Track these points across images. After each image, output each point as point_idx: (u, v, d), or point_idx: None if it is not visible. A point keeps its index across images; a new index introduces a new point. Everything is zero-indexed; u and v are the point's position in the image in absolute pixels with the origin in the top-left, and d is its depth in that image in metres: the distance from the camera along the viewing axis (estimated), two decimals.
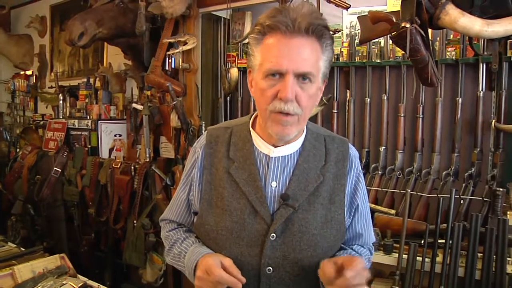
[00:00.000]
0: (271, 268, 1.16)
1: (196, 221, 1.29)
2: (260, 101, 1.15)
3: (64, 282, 1.86)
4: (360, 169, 1.31)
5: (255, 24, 1.15)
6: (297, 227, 1.16)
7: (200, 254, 1.18)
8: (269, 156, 1.21)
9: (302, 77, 1.10)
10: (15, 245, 2.46)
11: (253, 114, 1.30)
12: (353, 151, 1.31)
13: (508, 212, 2.09)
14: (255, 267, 1.16)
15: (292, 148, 1.22)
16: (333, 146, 1.26)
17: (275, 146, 1.21)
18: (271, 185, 1.19)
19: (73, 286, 1.83)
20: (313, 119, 2.78)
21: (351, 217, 1.29)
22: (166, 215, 1.41)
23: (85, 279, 1.98)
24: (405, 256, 2.19)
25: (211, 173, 1.24)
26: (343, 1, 2.41)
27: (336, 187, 1.23)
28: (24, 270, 1.90)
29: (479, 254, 2.05)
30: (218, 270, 1.08)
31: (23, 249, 2.37)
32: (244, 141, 1.24)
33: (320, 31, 1.10)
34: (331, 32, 1.18)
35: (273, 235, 1.15)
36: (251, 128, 1.26)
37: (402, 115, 2.54)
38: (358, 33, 2.67)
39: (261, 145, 1.22)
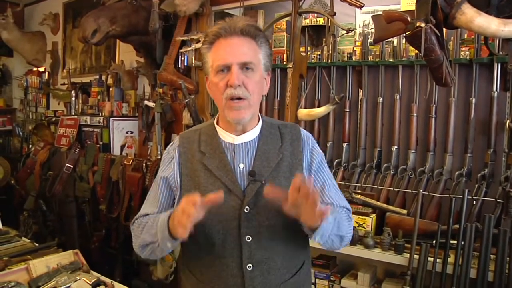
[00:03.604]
0: (250, 237, 1.33)
1: None
2: (216, 94, 1.36)
3: (78, 277, 1.87)
4: (314, 145, 1.49)
5: (204, 37, 1.39)
6: (267, 198, 1.30)
7: (173, 209, 1.29)
8: (233, 143, 1.40)
9: (245, 67, 1.31)
10: (29, 240, 2.49)
11: (217, 115, 1.49)
12: (305, 132, 1.50)
13: None
14: (236, 238, 1.33)
15: (252, 135, 1.41)
16: (286, 131, 1.47)
17: (237, 135, 1.40)
18: (239, 167, 1.38)
19: (86, 282, 1.84)
20: (325, 118, 2.79)
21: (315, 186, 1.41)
22: (143, 210, 1.49)
23: (98, 275, 1.99)
24: (416, 257, 2.18)
25: (186, 167, 1.42)
26: (356, 0, 2.41)
27: (294, 162, 1.42)
28: (39, 265, 1.91)
29: (492, 256, 2.03)
30: (193, 196, 1.18)
31: (37, 245, 2.39)
32: (211, 136, 1.43)
33: (253, 32, 1.33)
34: (266, 33, 1.44)
35: (247, 208, 1.33)
36: (216, 125, 1.45)
37: (415, 115, 2.53)
38: (371, 32, 2.67)
39: (225, 136, 1.41)
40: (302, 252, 1.46)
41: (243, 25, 1.32)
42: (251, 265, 1.33)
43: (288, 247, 1.39)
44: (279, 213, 1.31)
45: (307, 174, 1.44)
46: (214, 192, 1.31)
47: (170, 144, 1.53)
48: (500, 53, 2.26)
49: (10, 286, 1.76)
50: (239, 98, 1.30)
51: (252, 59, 1.32)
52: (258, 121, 1.45)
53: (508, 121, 2.28)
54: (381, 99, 2.65)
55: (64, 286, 1.79)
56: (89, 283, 1.83)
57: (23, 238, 2.50)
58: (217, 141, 1.41)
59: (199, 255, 1.39)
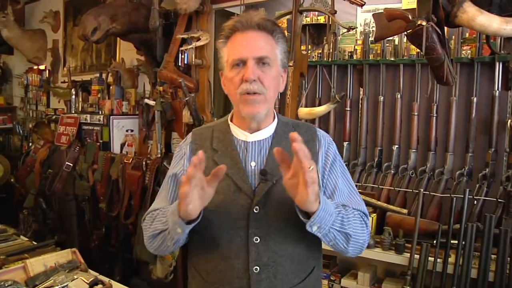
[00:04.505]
0: (258, 238, 1.29)
1: None
2: (230, 89, 1.33)
3: (75, 276, 1.86)
4: (330, 146, 1.43)
5: (220, 31, 1.36)
6: (277, 199, 1.29)
7: None
8: (246, 141, 1.37)
9: (262, 62, 1.28)
10: (27, 239, 2.48)
11: (231, 112, 1.45)
12: (321, 133, 1.45)
13: None
14: (244, 238, 1.29)
15: (266, 133, 1.37)
16: (301, 131, 1.37)
17: (251, 133, 1.37)
18: (250, 165, 1.34)
19: (84, 281, 1.83)
20: (326, 116, 2.77)
21: (325, 189, 1.39)
22: (154, 206, 1.44)
23: (96, 273, 1.99)
24: (416, 256, 2.17)
25: None
26: None
27: None
28: (36, 264, 1.90)
29: (493, 256, 2.02)
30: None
31: (35, 243, 2.38)
32: (224, 134, 1.40)
33: (270, 27, 1.31)
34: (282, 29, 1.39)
35: (257, 208, 1.29)
36: (229, 122, 1.42)
37: (416, 113, 2.52)
38: (372, 30, 2.66)
39: (238, 133, 1.38)
40: (312, 257, 1.40)
41: (260, 19, 1.29)
42: (257, 268, 1.29)
43: (298, 251, 1.34)
44: (290, 215, 1.26)
45: (321, 176, 1.38)
46: (223, 190, 1.29)
47: (183, 140, 1.50)
48: (502, 52, 2.25)
49: (6, 285, 1.75)
50: (255, 93, 1.27)
51: (268, 54, 1.29)
52: (274, 120, 1.41)
53: (509, 121, 2.27)
54: (382, 98, 2.64)
55: (62, 285, 1.79)
56: (86, 282, 1.82)
57: (21, 237, 2.50)
58: (229, 138, 1.38)
59: (206, 254, 1.36)
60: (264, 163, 1.34)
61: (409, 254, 2.21)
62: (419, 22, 1.72)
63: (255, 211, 1.28)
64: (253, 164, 1.34)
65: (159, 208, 1.40)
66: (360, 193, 2.45)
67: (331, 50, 2.81)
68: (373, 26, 2.69)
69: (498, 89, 2.29)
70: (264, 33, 1.30)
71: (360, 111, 2.73)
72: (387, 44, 2.63)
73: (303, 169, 1.06)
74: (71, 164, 3.71)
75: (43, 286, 1.80)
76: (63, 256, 2.02)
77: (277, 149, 1.14)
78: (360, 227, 1.32)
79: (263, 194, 1.29)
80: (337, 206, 1.28)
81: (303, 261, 1.36)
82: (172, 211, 1.24)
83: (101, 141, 3.72)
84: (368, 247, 2.30)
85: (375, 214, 2.40)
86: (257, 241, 1.29)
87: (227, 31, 1.32)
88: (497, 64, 2.27)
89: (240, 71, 1.27)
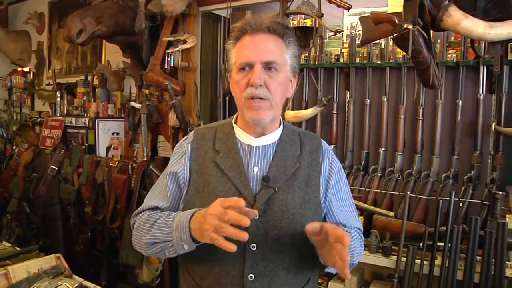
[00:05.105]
0: (255, 245, 1.27)
1: (183, 207, 1.36)
2: (236, 91, 1.31)
3: (60, 282, 1.83)
4: (335, 159, 1.44)
5: (230, 32, 1.35)
6: (278, 207, 1.28)
7: (194, 210, 1.22)
8: (250, 145, 1.34)
9: (269, 66, 1.26)
10: (10, 244, 2.43)
11: (236, 114, 1.43)
12: (325, 144, 1.46)
13: (507, 216, 2.08)
14: (241, 245, 1.23)
15: (271, 138, 1.35)
16: (306, 139, 1.41)
17: (256, 137, 1.35)
18: (253, 170, 1.31)
19: (68, 287, 1.80)
20: (313, 120, 2.78)
21: (328, 203, 1.39)
22: (150, 202, 1.41)
23: (80, 279, 1.96)
24: (403, 259, 2.18)
25: (198, 164, 1.36)
26: (344, 2, 2.40)
27: (311, 173, 1.36)
28: (19, 270, 1.86)
29: (478, 258, 2.04)
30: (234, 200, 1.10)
31: (18, 249, 2.34)
32: (227, 135, 1.37)
33: (281, 30, 1.28)
34: (294, 32, 1.37)
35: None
36: (233, 124, 1.40)
37: (402, 117, 2.53)
38: (359, 34, 2.66)
39: (243, 137, 1.36)
40: (308, 269, 1.38)
41: (270, 22, 1.27)
42: (252, 275, 1.27)
43: (294, 262, 1.32)
44: (289, 225, 1.27)
45: (324, 189, 1.38)
46: (223, 193, 1.27)
47: (184, 138, 1.47)
48: (486, 56, 2.27)
49: None
50: (260, 98, 1.25)
51: (276, 59, 1.26)
52: (279, 126, 1.39)
53: (493, 124, 2.29)
54: (368, 101, 2.65)
55: None
56: None
57: (4, 242, 2.45)
58: (233, 140, 1.36)
59: (200, 258, 1.32)
60: (267, 169, 1.32)
61: (396, 257, 2.21)
62: (405, 26, 1.73)
63: (254, 217, 1.23)
64: (255, 169, 1.32)
65: (157, 207, 1.38)
66: None
67: (317, 53, 2.81)
68: (359, 30, 2.70)
69: (482, 93, 2.31)
70: (275, 36, 1.28)
71: (346, 114, 2.74)
72: (374, 48, 2.64)
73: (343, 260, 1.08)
74: (56, 168, 3.67)
75: None
76: (47, 261, 1.99)
77: (310, 226, 1.15)
78: (360, 248, 1.35)
79: (264, 201, 1.27)
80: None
81: (299, 273, 1.35)
82: (179, 226, 1.21)
83: (86, 144, 3.68)
84: None
85: (362, 217, 2.40)
86: (254, 248, 1.26)
87: (236, 32, 1.30)
88: (481, 67, 2.30)
89: (247, 75, 1.25)
